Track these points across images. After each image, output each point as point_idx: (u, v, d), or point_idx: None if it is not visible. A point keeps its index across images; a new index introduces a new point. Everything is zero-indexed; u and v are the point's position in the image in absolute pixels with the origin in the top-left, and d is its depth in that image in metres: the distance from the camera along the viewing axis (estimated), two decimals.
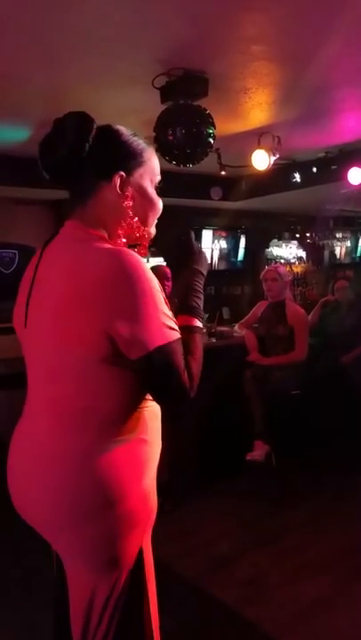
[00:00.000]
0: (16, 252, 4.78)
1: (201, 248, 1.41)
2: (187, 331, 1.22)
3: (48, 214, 4.97)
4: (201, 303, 1.30)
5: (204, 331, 3.85)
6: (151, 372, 1.13)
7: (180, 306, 1.28)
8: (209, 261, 6.10)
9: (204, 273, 1.35)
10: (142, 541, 1.24)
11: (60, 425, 1.17)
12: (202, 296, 1.31)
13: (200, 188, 4.90)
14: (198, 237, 6.09)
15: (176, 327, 1.15)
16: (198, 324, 1.27)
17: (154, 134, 2.68)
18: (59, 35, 2.11)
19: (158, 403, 1.24)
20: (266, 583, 2.54)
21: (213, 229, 5.91)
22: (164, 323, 1.12)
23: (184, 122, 2.62)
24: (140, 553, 1.24)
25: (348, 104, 3.05)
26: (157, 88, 2.62)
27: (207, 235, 5.89)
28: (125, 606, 1.22)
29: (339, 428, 3.95)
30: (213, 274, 3.62)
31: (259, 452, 3.57)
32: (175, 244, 1.39)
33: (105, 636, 1.21)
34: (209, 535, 2.98)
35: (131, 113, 2.96)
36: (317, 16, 2.02)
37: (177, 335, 1.14)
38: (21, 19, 1.98)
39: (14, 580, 2.54)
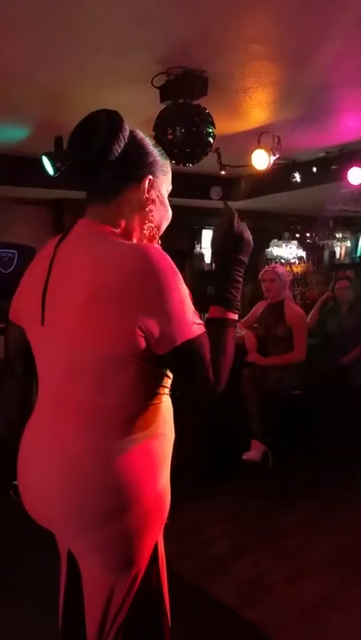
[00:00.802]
0: (15, 251, 4.78)
1: (244, 232, 1.30)
2: (220, 324, 1.20)
3: (47, 214, 4.98)
4: (239, 295, 1.26)
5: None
6: (177, 367, 1.15)
7: (216, 296, 1.24)
8: (207, 261, 6.18)
9: (246, 261, 1.30)
10: (157, 536, 1.25)
11: (85, 424, 1.15)
12: (240, 286, 1.27)
13: (200, 187, 4.90)
14: (198, 237, 6.09)
15: (201, 321, 1.15)
16: (233, 316, 1.23)
17: (153, 133, 2.67)
18: (58, 34, 2.11)
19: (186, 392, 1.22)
20: (266, 583, 2.53)
21: (213, 229, 5.89)
22: (191, 318, 1.12)
23: (184, 121, 2.62)
24: (155, 547, 1.24)
25: (349, 104, 3.04)
26: (157, 87, 2.61)
27: (207, 235, 5.89)
28: (142, 602, 1.21)
29: (338, 428, 3.94)
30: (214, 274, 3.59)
31: (255, 451, 3.57)
32: (218, 225, 1.34)
33: (122, 634, 1.21)
34: (209, 535, 2.97)
35: (130, 112, 2.89)
36: (318, 15, 2.02)
37: (202, 329, 1.13)
38: (22, 18, 1.98)
39: (17, 579, 2.54)
